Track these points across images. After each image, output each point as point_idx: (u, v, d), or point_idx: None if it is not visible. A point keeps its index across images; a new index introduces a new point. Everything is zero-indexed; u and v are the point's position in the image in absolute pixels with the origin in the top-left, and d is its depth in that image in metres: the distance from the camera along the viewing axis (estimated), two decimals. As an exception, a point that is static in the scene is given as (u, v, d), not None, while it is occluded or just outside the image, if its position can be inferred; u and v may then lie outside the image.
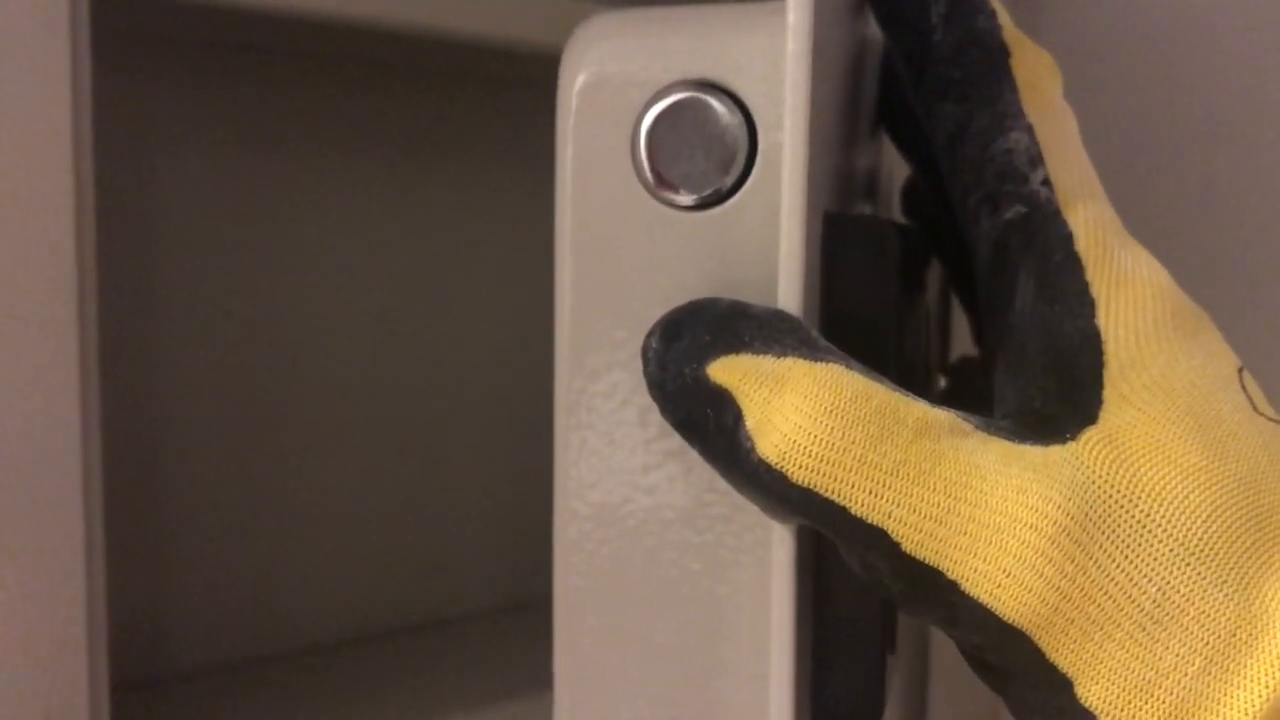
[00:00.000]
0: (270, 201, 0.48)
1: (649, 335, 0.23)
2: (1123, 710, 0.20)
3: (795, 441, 0.20)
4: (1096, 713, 0.20)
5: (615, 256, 0.25)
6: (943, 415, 0.21)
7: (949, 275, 0.35)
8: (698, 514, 0.25)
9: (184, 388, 0.46)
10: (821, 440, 0.20)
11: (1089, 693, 0.20)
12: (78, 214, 0.33)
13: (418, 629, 0.53)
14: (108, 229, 0.36)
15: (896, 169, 0.38)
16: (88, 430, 0.34)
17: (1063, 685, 0.20)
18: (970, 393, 0.36)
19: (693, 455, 0.24)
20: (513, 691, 0.47)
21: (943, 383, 0.37)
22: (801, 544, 0.23)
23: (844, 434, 0.20)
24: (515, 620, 0.55)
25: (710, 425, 0.22)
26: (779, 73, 0.23)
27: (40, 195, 0.32)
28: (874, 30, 0.31)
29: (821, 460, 0.20)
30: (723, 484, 0.24)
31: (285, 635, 0.49)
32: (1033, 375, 0.23)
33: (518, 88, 0.54)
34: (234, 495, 0.48)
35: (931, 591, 0.20)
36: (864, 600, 0.24)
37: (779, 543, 0.23)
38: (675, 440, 0.24)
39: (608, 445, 0.25)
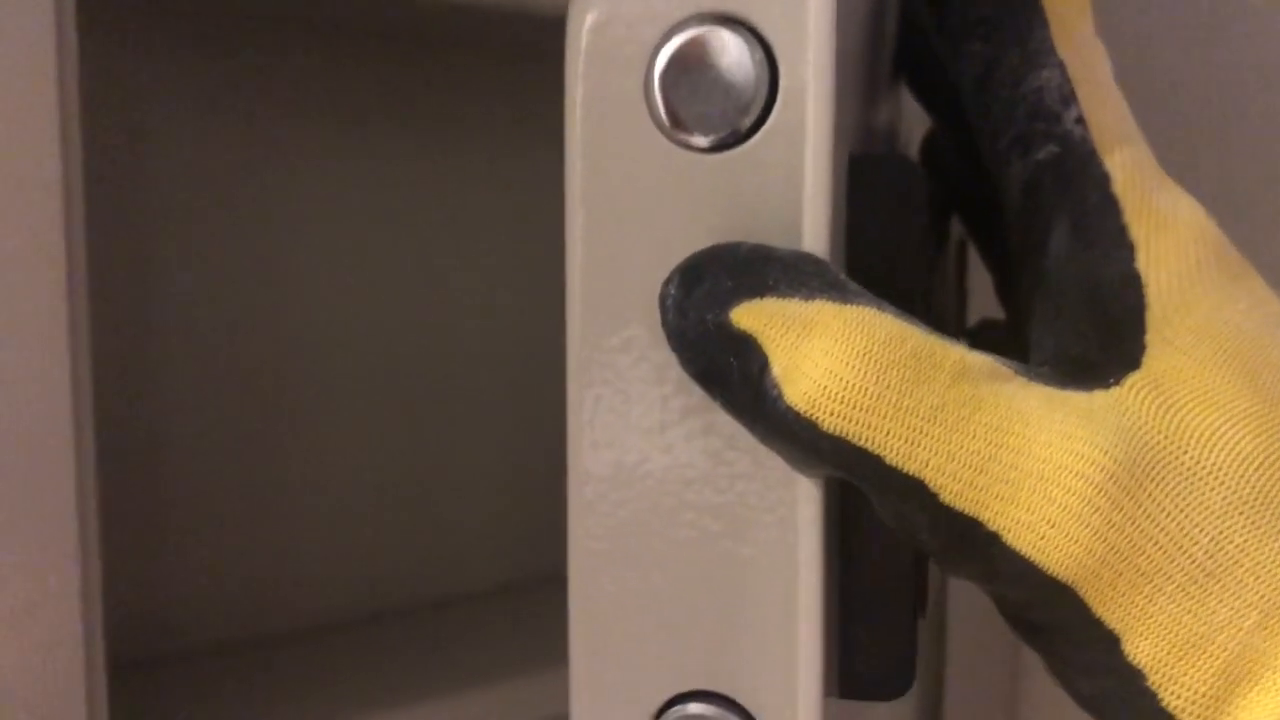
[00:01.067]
0: (268, 176, 0.47)
1: (667, 282, 0.22)
2: (1173, 667, 0.19)
3: (826, 387, 0.19)
4: (1145, 670, 0.19)
5: (629, 203, 0.24)
6: (981, 359, 0.20)
7: (971, 232, 0.33)
8: (718, 472, 0.23)
9: (182, 365, 0.45)
10: (854, 385, 0.19)
11: (1137, 649, 0.19)
12: (66, 192, 0.32)
13: (423, 607, 0.52)
14: (96, 202, 0.35)
15: (914, 128, 0.36)
16: (80, 410, 0.33)
17: (1109, 641, 0.19)
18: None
19: (713, 411, 0.23)
20: (519, 669, 0.46)
21: (964, 345, 0.36)
22: (828, 500, 0.22)
23: (878, 378, 0.19)
24: (521, 598, 0.54)
25: (734, 374, 0.20)
26: (801, 6, 0.22)
27: (27, 174, 0.31)
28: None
29: (854, 407, 0.19)
30: (745, 440, 0.23)
31: (287, 615, 0.49)
32: (1071, 321, 0.22)
33: (525, 58, 0.53)
34: (234, 473, 0.47)
35: (971, 544, 0.19)
36: (893, 559, 0.23)
37: (804, 499, 0.22)
38: (694, 395, 0.23)
39: (623, 402, 0.24)
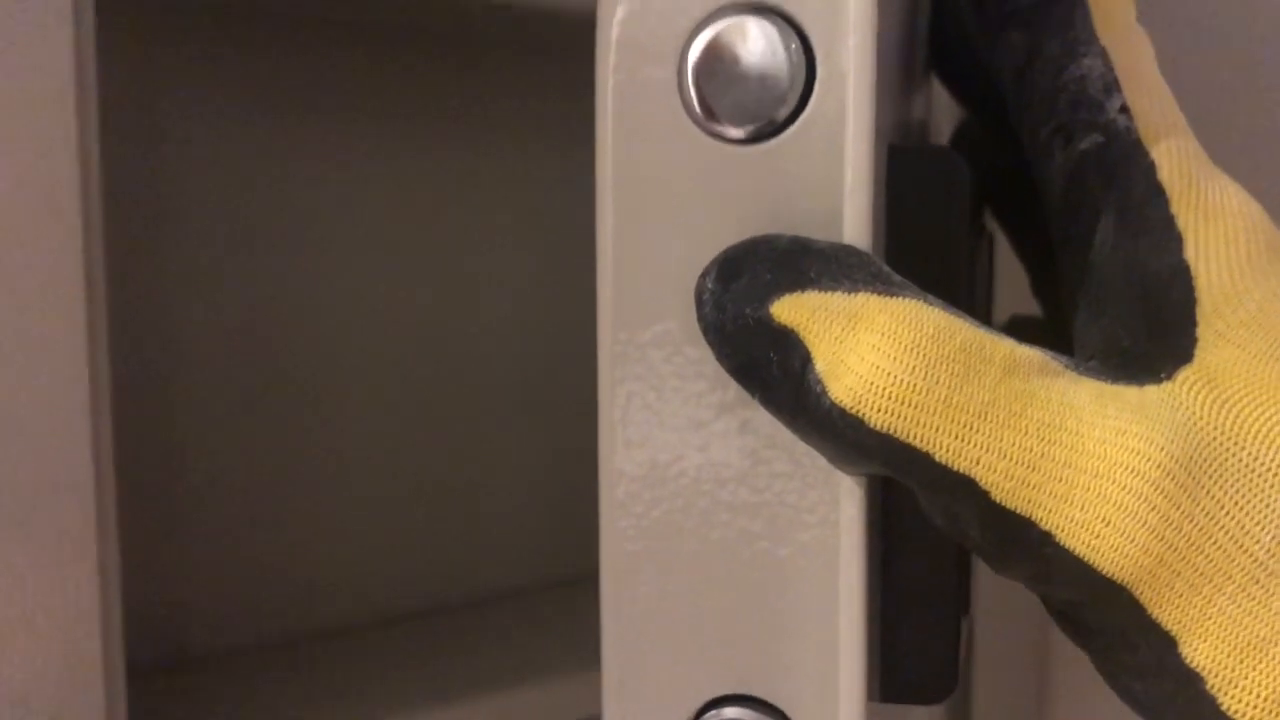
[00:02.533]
0: (289, 176, 0.47)
1: (703, 276, 0.21)
2: (1234, 670, 0.18)
3: (873, 383, 0.19)
4: (1204, 673, 0.19)
5: (662, 196, 0.23)
6: (1032, 353, 0.20)
7: (1004, 226, 0.33)
8: (756, 471, 0.23)
9: (201, 364, 0.45)
10: (902, 381, 0.19)
11: (1195, 651, 0.19)
12: (84, 192, 0.32)
13: (451, 608, 0.52)
14: (115, 199, 0.34)
15: (944, 122, 0.36)
16: (99, 411, 0.32)
17: (1166, 643, 0.19)
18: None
19: (751, 407, 0.22)
20: (550, 671, 0.45)
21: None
22: (870, 498, 0.22)
23: (926, 373, 0.19)
24: (552, 598, 0.53)
25: (774, 370, 0.20)
26: (839, -7, 0.22)
27: (46, 168, 0.31)
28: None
29: (902, 403, 0.19)
30: (783, 438, 0.22)
31: (309, 616, 0.48)
32: (1118, 314, 0.21)
33: (549, 56, 0.52)
34: (255, 473, 0.46)
35: (1023, 544, 0.19)
36: (936, 556, 0.23)
37: (847, 497, 0.22)
38: (731, 391, 0.23)
39: (657, 399, 0.23)
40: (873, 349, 0.19)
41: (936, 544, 0.22)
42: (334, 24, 0.47)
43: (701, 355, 0.23)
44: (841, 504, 0.22)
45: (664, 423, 0.23)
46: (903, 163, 0.22)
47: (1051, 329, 0.33)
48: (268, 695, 0.44)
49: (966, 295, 0.23)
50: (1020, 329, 0.35)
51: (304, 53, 0.46)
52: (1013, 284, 0.35)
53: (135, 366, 0.42)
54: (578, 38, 0.46)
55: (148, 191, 0.43)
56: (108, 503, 0.33)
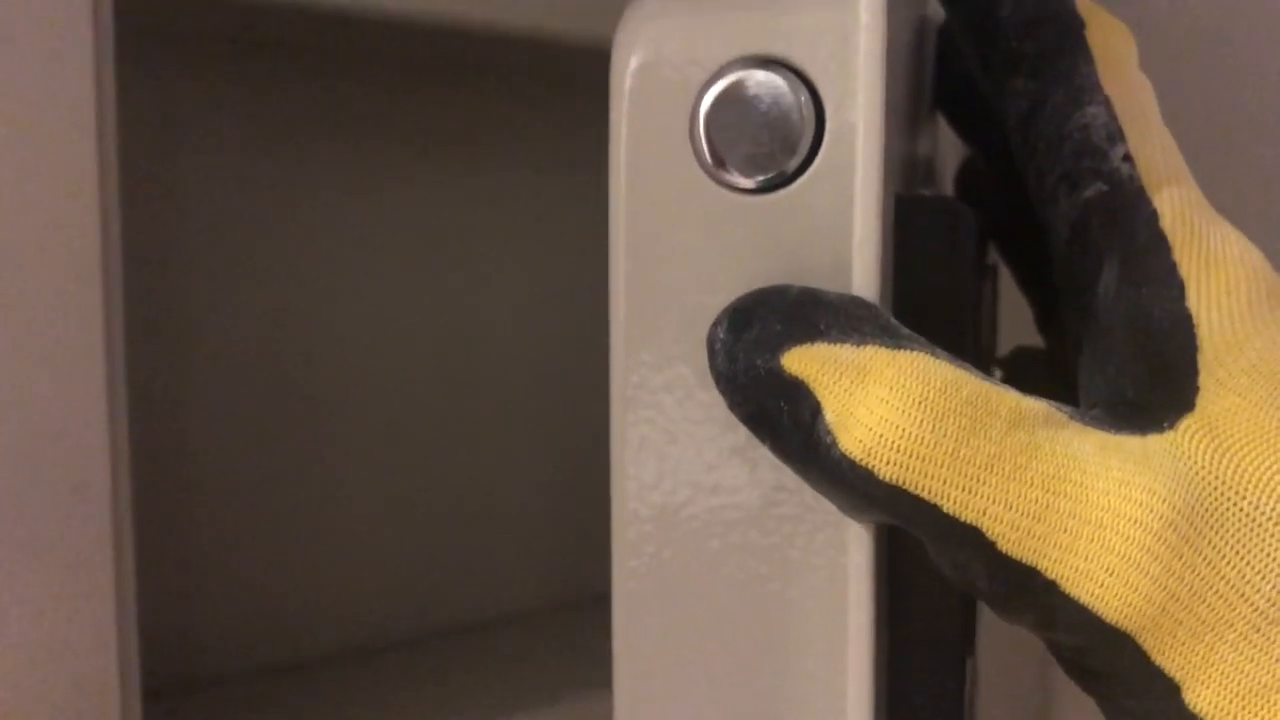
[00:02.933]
0: (299, 198, 0.47)
1: (715, 325, 0.22)
2: (1236, 716, 0.19)
3: (882, 436, 0.19)
4: (1207, 718, 0.19)
5: (674, 243, 0.24)
6: (1036, 405, 0.20)
7: (1008, 262, 0.33)
8: (765, 514, 0.23)
9: (212, 389, 0.45)
10: (911, 434, 0.19)
11: (1199, 698, 0.19)
12: (102, 211, 0.32)
13: (460, 631, 0.52)
14: (132, 224, 0.35)
15: (949, 154, 0.36)
16: (115, 435, 0.33)
17: (1170, 690, 0.19)
18: (1028, 387, 0.35)
19: (760, 451, 0.23)
20: (559, 694, 0.46)
21: (998, 375, 0.36)
22: (878, 544, 0.22)
23: (934, 427, 0.19)
24: (560, 621, 0.54)
25: (784, 420, 0.20)
26: (848, 48, 0.22)
27: (64, 193, 0.32)
28: (933, 8, 0.30)
29: (911, 455, 0.19)
30: (791, 482, 0.23)
31: (321, 639, 0.48)
32: (1122, 362, 0.22)
33: (557, 84, 0.53)
34: (267, 497, 0.47)
35: (1029, 592, 0.19)
36: (941, 601, 0.23)
37: (855, 543, 0.22)
38: (740, 436, 0.23)
39: (668, 443, 0.24)
40: (881, 402, 0.19)
41: (941, 586, 0.23)
42: (346, 54, 0.47)
43: (713, 400, 0.23)
44: (850, 548, 0.22)
45: (675, 466, 0.24)
46: (910, 212, 0.23)
47: (1055, 363, 0.33)
48: (280, 717, 0.44)
49: (972, 342, 0.23)
50: (1024, 361, 0.35)
51: (316, 80, 0.47)
52: (1017, 315, 0.36)
53: (148, 393, 0.43)
54: (584, 66, 0.46)
55: (165, 214, 0.44)
56: (124, 528, 0.33)
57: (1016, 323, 0.36)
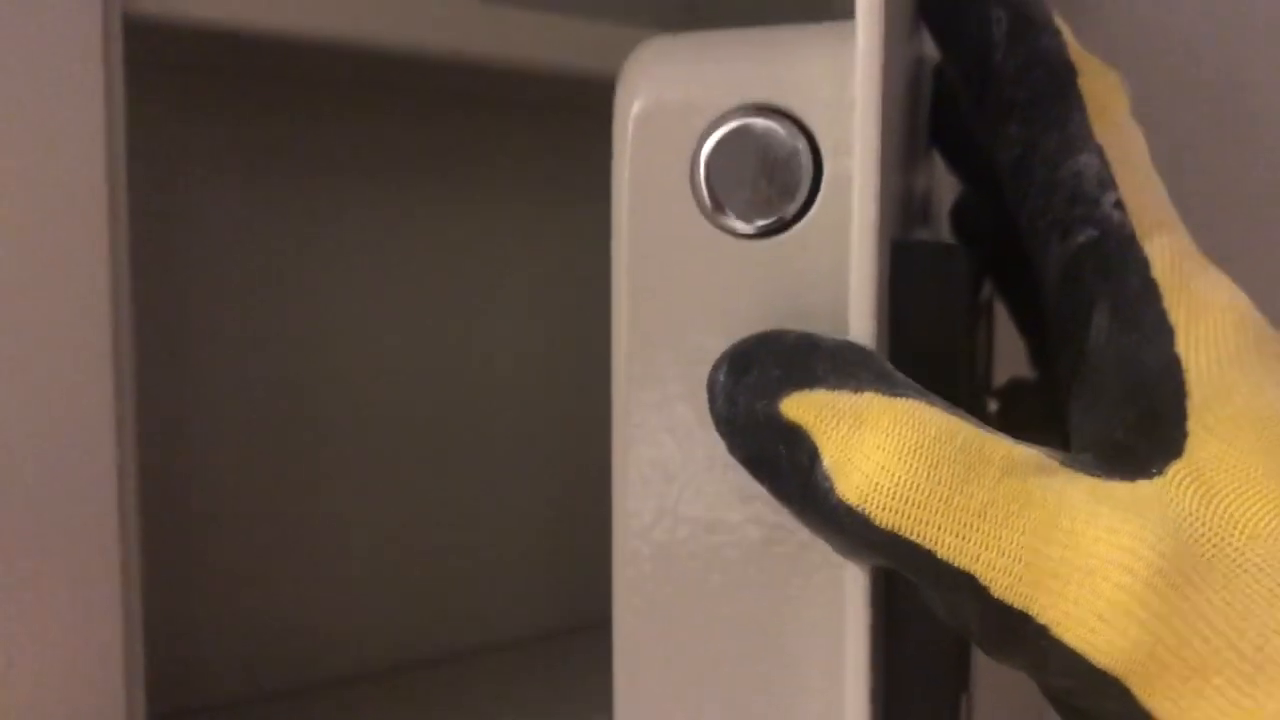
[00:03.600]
0: (305, 225, 0.48)
1: (715, 369, 0.22)
2: (1222, 759, 0.19)
3: (878, 483, 0.20)
4: (1194, 761, 0.19)
5: (674, 286, 0.24)
6: (1028, 453, 0.20)
7: (1003, 296, 0.34)
8: (764, 553, 0.24)
9: (217, 417, 0.46)
10: (906, 482, 0.19)
11: (1186, 741, 0.19)
12: (112, 241, 0.33)
13: (461, 657, 0.52)
14: (141, 252, 0.35)
15: (945, 189, 0.37)
16: (123, 462, 0.33)
17: (1158, 732, 0.20)
18: (1022, 417, 0.35)
19: (759, 491, 0.23)
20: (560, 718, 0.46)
21: (992, 406, 0.36)
22: (874, 582, 0.23)
23: (929, 474, 0.19)
24: (563, 647, 0.54)
25: (783, 463, 0.21)
26: (845, 97, 0.23)
27: (74, 218, 0.32)
28: (928, 48, 0.30)
29: (906, 502, 0.19)
30: (790, 522, 0.23)
31: (324, 665, 0.49)
32: (1111, 407, 0.22)
33: (559, 114, 0.53)
34: (272, 522, 0.47)
35: (1020, 635, 0.20)
36: (937, 639, 0.23)
37: (852, 582, 0.22)
38: (740, 477, 0.24)
39: (668, 482, 0.24)
40: (878, 449, 0.20)
41: (937, 625, 0.23)
42: (352, 85, 0.48)
43: (712, 440, 0.23)
44: (848, 588, 0.23)
45: (675, 505, 0.24)
46: (906, 258, 0.23)
47: (1048, 396, 0.34)
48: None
49: (965, 384, 0.23)
50: (1019, 393, 0.36)
51: (323, 110, 0.48)
52: (1014, 342, 0.36)
53: (155, 416, 0.43)
54: (591, 96, 0.47)
55: (174, 240, 0.44)
56: (130, 555, 0.34)
57: (1014, 351, 0.36)
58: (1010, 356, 0.37)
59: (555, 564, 0.55)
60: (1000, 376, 0.38)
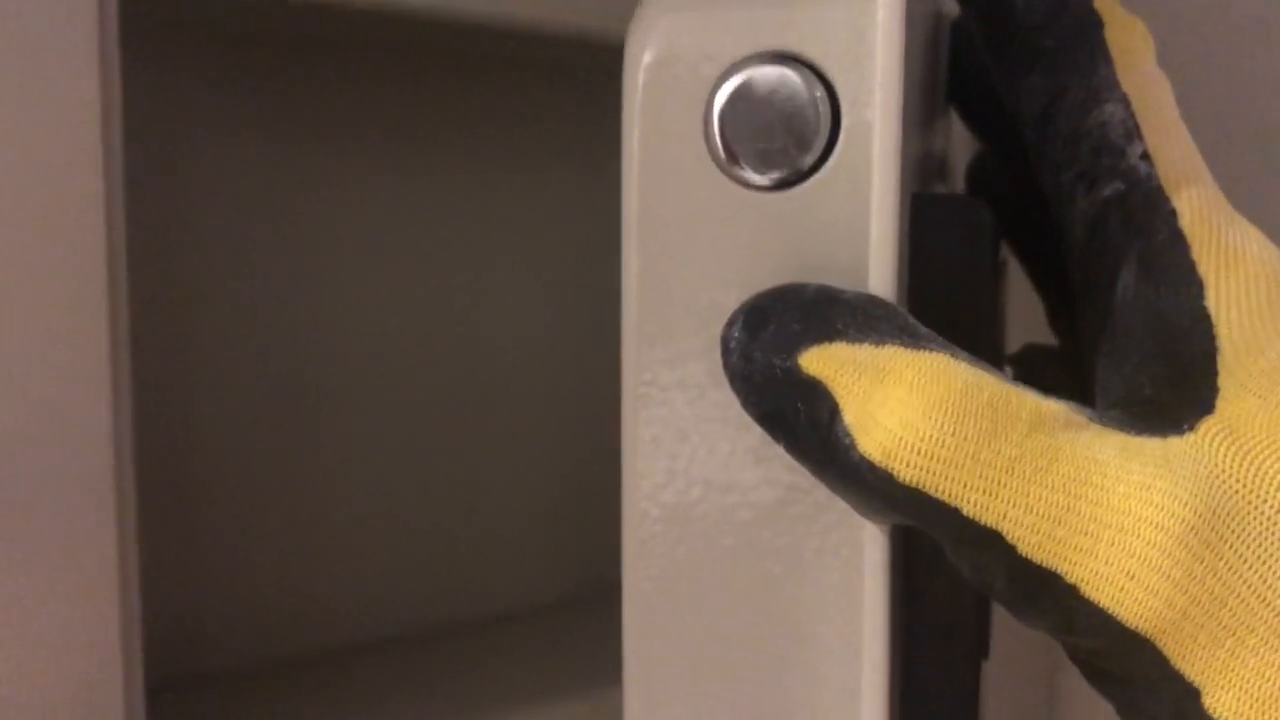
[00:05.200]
0: (306, 196, 0.47)
1: (729, 324, 0.21)
2: (1256, 721, 0.19)
3: (902, 438, 0.19)
4: (1227, 724, 0.19)
5: (687, 241, 0.23)
6: (1057, 407, 0.20)
7: (1020, 257, 0.33)
8: (779, 513, 0.23)
9: (216, 383, 0.45)
10: (931, 437, 0.19)
11: (1219, 702, 0.19)
12: (107, 209, 0.32)
13: (466, 626, 0.52)
14: (137, 223, 0.35)
15: (961, 148, 0.36)
16: (119, 428, 0.33)
17: (1189, 694, 0.19)
18: (1038, 383, 0.34)
19: (774, 450, 0.22)
20: (567, 689, 0.45)
21: (1008, 373, 0.35)
22: (893, 543, 0.22)
23: (955, 429, 0.19)
24: (568, 616, 0.54)
25: (801, 420, 0.20)
26: (865, 44, 0.22)
27: (68, 190, 0.31)
28: (947, 3, 0.29)
29: (932, 458, 0.19)
30: (805, 481, 0.23)
31: (326, 635, 0.48)
32: (1140, 362, 0.22)
33: (564, 79, 0.52)
34: (271, 491, 0.47)
35: (1048, 596, 0.19)
36: (956, 603, 0.23)
37: (870, 543, 0.22)
38: (755, 435, 0.23)
39: (680, 441, 0.24)
40: (901, 404, 0.19)
41: (955, 589, 0.23)
42: (350, 48, 0.47)
43: (725, 399, 0.23)
44: (865, 549, 0.22)
45: (687, 465, 0.24)
46: (927, 211, 0.23)
47: (1066, 360, 0.33)
48: (285, 714, 0.44)
49: (988, 341, 0.23)
50: (1034, 359, 0.35)
51: (324, 76, 0.47)
52: (1024, 310, 0.36)
53: (152, 387, 0.43)
54: (593, 60, 0.46)
55: (168, 213, 0.44)
56: (128, 525, 0.33)
57: (1023, 318, 0.36)
58: (1021, 325, 0.37)
59: (562, 534, 0.55)
60: (1011, 344, 0.37)
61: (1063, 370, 0.33)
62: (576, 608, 0.54)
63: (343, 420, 0.49)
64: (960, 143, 0.36)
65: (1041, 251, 0.32)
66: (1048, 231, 0.27)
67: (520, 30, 0.42)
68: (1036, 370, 0.35)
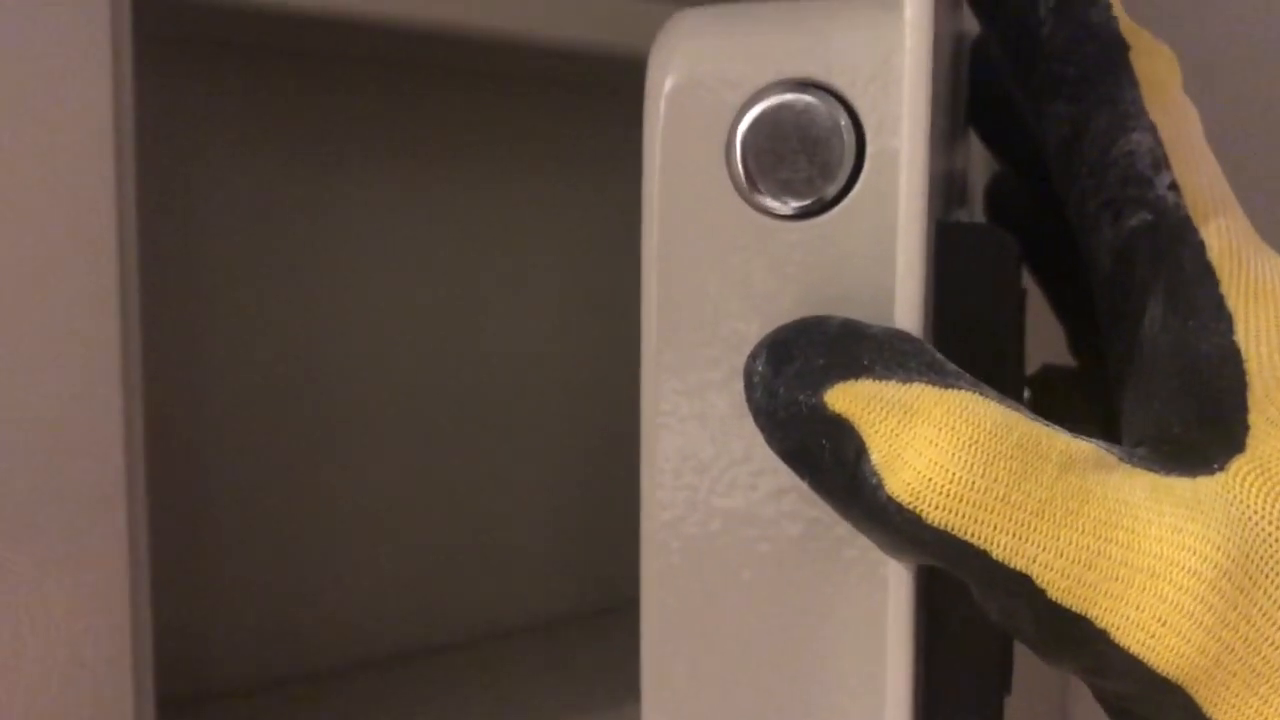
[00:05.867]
0: (316, 207, 0.47)
1: (753, 357, 0.21)
2: (1290, 771, 0.18)
3: (931, 479, 0.19)
4: (1259, 773, 0.18)
5: (708, 269, 0.23)
6: (1086, 447, 0.19)
7: (1040, 280, 0.33)
8: (801, 548, 0.23)
9: (226, 398, 0.45)
10: (960, 479, 0.18)
11: (1251, 750, 0.18)
12: (120, 219, 0.32)
13: (476, 642, 0.52)
14: (150, 233, 0.34)
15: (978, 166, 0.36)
16: (131, 445, 0.33)
17: (1221, 742, 0.19)
18: (1056, 406, 0.34)
19: (795, 484, 0.22)
20: (577, 706, 0.45)
21: (1027, 396, 0.35)
22: (917, 582, 0.22)
23: (985, 471, 0.18)
24: (578, 632, 0.53)
25: (826, 458, 0.20)
26: (889, 72, 0.22)
27: (82, 201, 0.31)
28: (969, 23, 0.29)
29: (961, 500, 0.18)
30: (828, 516, 0.22)
31: (336, 651, 0.48)
32: (1169, 398, 0.21)
33: (576, 87, 0.52)
34: (282, 507, 0.47)
35: (1078, 640, 0.19)
36: (979, 637, 0.23)
37: (895, 579, 0.21)
38: (780, 470, 0.23)
39: (699, 473, 0.23)
40: (930, 444, 0.19)
41: (981, 626, 0.22)
42: (369, 61, 0.47)
43: (747, 432, 0.22)
44: (891, 587, 0.22)
45: (708, 496, 0.23)
46: (953, 241, 0.22)
47: (1085, 383, 0.33)
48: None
49: (1014, 373, 0.22)
50: (1052, 380, 0.35)
51: (339, 86, 0.46)
52: (1040, 329, 0.35)
53: (164, 401, 0.42)
54: (613, 73, 0.46)
55: (180, 224, 0.43)
56: (139, 541, 0.33)
57: (1038, 336, 0.35)
58: (1037, 344, 0.36)
59: (573, 549, 0.55)
60: (1031, 365, 0.37)
61: (1081, 393, 0.33)
62: (588, 622, 0.54)
63: (354, 436, 0.48)
64: (978, 160, 0.36)
65: (1062, 276, 0.32)
66: (1068, 255, 0.27)
67: (530, 45, 0.41)
68: (1054, 392, 0.35)
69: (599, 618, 0.54)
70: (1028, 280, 0.34)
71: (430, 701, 0.46)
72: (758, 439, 0.22)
